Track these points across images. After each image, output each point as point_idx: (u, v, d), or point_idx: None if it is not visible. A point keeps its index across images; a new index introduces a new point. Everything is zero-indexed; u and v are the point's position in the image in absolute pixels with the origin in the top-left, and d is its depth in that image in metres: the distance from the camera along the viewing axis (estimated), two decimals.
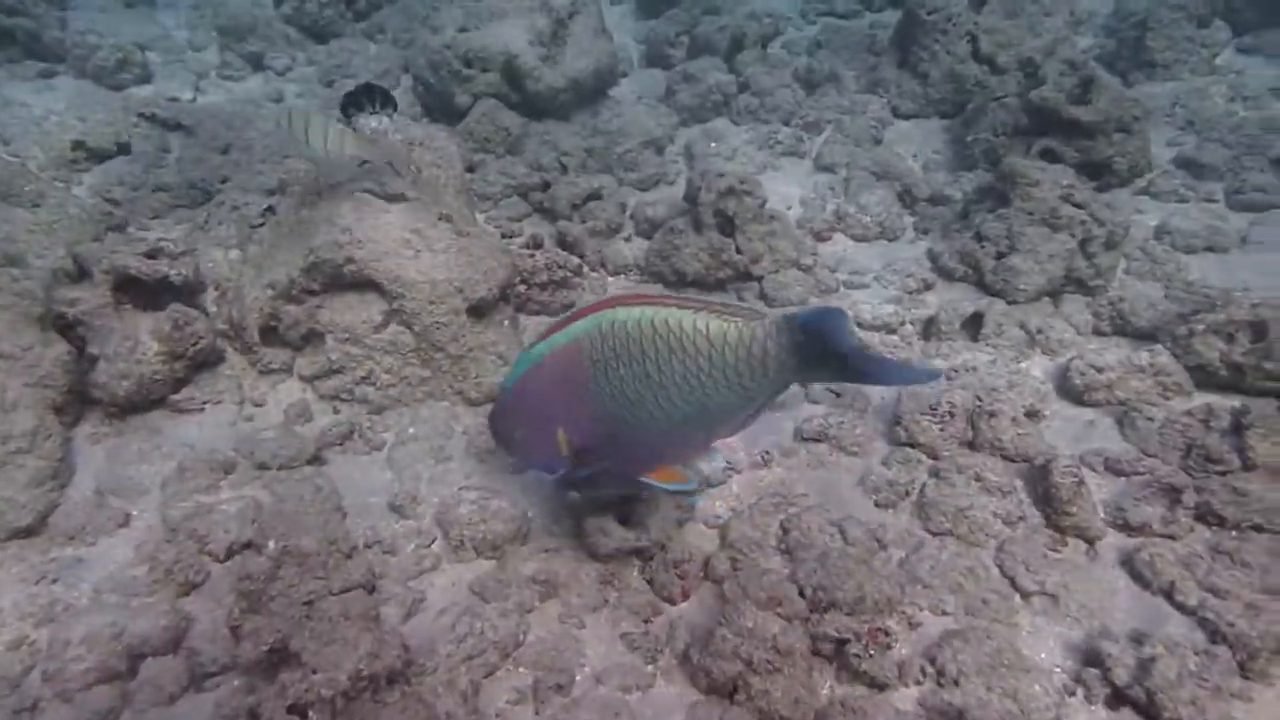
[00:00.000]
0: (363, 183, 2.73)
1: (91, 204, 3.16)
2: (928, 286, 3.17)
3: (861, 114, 4.19)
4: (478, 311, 2.66)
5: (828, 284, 3.20)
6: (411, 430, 2.53)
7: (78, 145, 3.50)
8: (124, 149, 3.54)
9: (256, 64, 4.78)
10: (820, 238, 3.49)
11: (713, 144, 3.98)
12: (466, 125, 4.00)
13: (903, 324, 2.94)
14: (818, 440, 2.48)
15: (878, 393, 2.67)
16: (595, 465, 1.80)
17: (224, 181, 3.50)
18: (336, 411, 2.62)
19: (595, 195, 3.53)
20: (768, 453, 2.45)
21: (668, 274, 3.24)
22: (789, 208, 3.66)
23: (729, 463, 2.40)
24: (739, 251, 3.17)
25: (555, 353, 1.68)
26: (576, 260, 3.24)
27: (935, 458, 2.36)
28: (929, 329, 2.89)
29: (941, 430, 2.38)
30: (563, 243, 3.42)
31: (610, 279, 3.35)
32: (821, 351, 1.53)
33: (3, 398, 2.14)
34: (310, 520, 2.16)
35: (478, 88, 4.04)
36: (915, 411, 2.41)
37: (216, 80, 4.68)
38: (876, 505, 2.27)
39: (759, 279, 3.19)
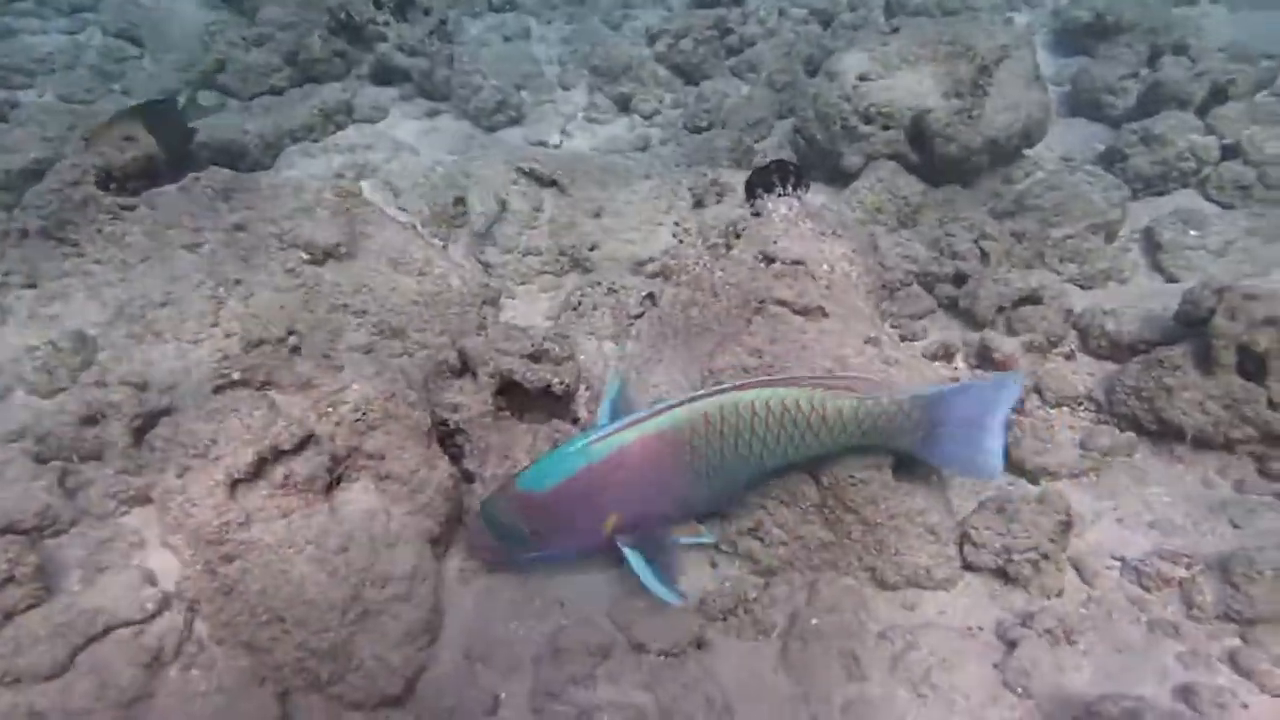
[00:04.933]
0: (774, 291, 2.24)
1: (470, 271, 3.00)
2: None
3: None
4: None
5: None
6: (814, 622, 1.97)
7: (459, 201, 3.40)
8: (502, 206, 3.39)
9: (624, 105, 4.54)
10: None
11: (1192, 231, 2.99)
12: (855, 190, 3.40)
13: None
14: None
15: None
16: (631, 533, 1.90)
17: (592, 249, 3.20)
18: (714, 565, 2.16)
19: (1032, 298, 2.75)
20: None
21: (1146, 421, 2.39)
22: None
23: None
24: (1273, 406, 2.24)
25: (633, 447, 1.79)
26: None
27: None
28: None
29: None
30: (985, 358, 2.70)
31: (1052, 412, 2.56)
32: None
33: (386, 528, 1.89)
34: None
35: (873, 147, 3.41)
36: None
37: (582, 123, 4.51)
38: None
39: None
